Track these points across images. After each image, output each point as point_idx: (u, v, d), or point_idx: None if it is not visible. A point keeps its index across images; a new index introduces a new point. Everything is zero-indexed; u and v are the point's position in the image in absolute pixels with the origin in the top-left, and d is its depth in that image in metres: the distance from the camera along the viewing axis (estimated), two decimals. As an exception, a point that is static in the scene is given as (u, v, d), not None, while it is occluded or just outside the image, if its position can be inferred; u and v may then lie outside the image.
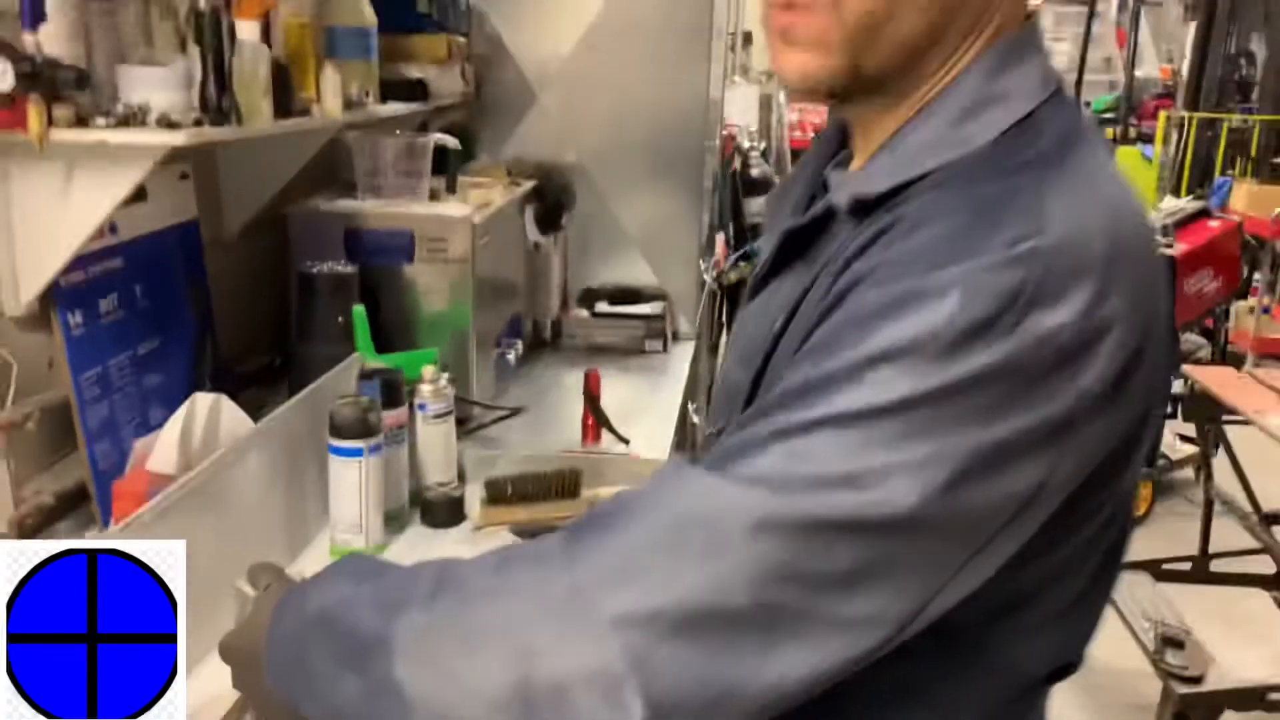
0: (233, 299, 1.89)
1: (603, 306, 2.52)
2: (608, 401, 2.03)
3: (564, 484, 1.62)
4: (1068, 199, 0.70)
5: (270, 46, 1.68)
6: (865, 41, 0.75)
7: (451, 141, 1.98)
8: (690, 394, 2.63)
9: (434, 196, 2.00)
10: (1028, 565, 0.73)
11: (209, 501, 1.31)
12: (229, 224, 1.89)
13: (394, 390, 1.57)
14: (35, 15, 1.22)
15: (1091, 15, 7.23)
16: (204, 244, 1.79)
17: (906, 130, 0.79)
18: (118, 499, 1.41)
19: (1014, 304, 0.65)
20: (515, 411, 1.97)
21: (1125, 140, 6.18)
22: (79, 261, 1.42)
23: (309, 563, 1.48)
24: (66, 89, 1.23)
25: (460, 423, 1.90)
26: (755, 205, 4.58)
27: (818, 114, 8.05)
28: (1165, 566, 3.00)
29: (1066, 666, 0.84)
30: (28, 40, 1.22)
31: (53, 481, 1.45)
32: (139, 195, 1.47)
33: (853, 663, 0.67)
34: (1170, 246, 3.72)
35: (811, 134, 8.05)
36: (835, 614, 0.65)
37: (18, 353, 1.36)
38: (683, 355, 2.51)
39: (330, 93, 1.70)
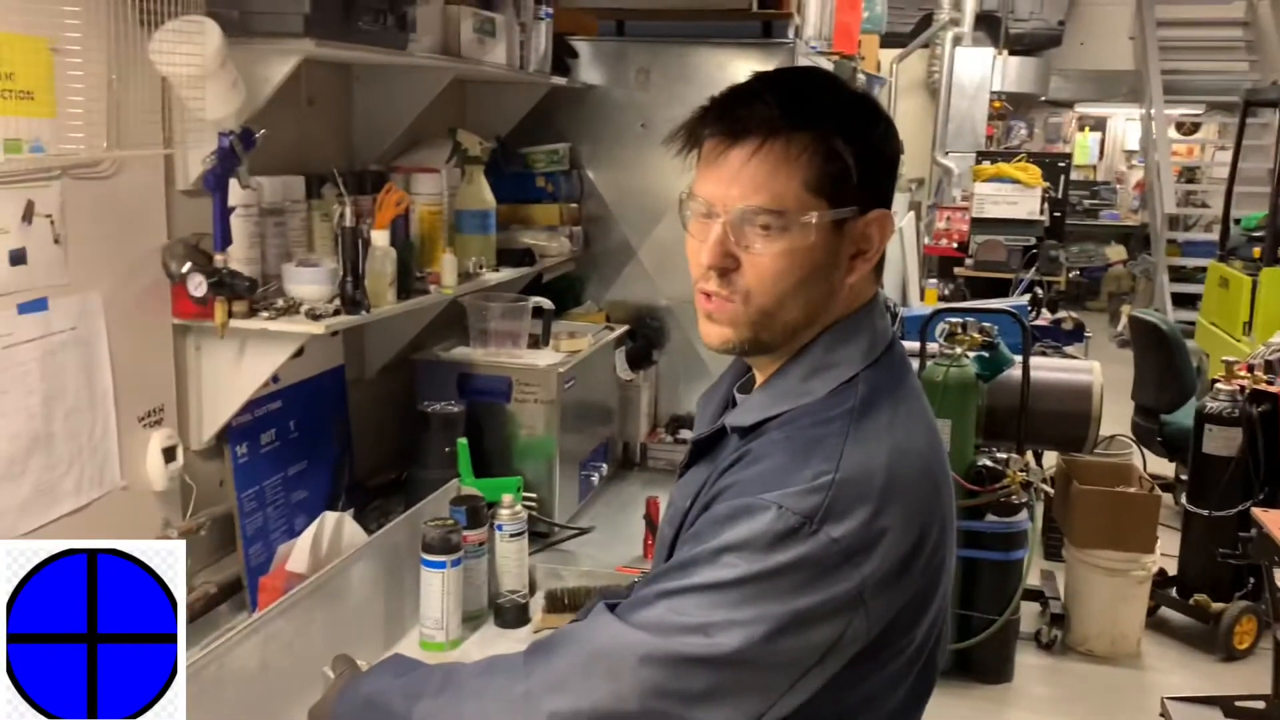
0: (369, 426, 2.34)
1: (686, 433, 2.86)
2: (674, 522, 2.36)
3: (611, 598, 1.96)
4: (860, 444, 1.03)
5: (408, 230, 2.15)
6: (763, 324, 1.10)
7: (546, 304, 2.40)
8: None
9: (534, 344, 2.42)
10: (847, 690, 1.06)
11: (329, 598, 1.72)
12: (369, 367, 2.36)
13: (477, 514, 1.96)
14: (224, 240, 1.70)
15: (1242, 129, 7.18)
16: (347, 383, 2.26)
17: (776, 377, 1.13)
18: (262, 590, 1.85)
19: (812, 519, 0.98)
20: (584, 531, 2.33)
21: (1273, 261, 6.10)
22: (248, 406, 1.89)
23: (401, 650, 1.86)
24: (241, 292, 1.70)
25: (542, 536, 2.29)
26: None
27: (964, 222, 8.21)
28: (1239, 704, 3.05)
29: None
30: (218, 258, 1.70)
31: (216, 574, 1.90)
32: (298, 352, 1.92)
33: None
34: (1271, 383, 3.77)
35: (956, 243, 8.20)
36: None
37: (197, 477, 1.82)
38: (754, 480, 2.81)
39: (448, 272, 2.14)
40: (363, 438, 2.32)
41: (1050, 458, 4.70)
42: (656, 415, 2.93)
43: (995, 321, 3.71)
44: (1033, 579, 3.99)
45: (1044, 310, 5.62)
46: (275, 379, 1.97)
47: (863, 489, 1.00)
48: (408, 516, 1.95)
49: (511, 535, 2.01)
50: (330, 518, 1.89)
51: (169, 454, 1.72)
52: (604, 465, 2.61)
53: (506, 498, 2.03)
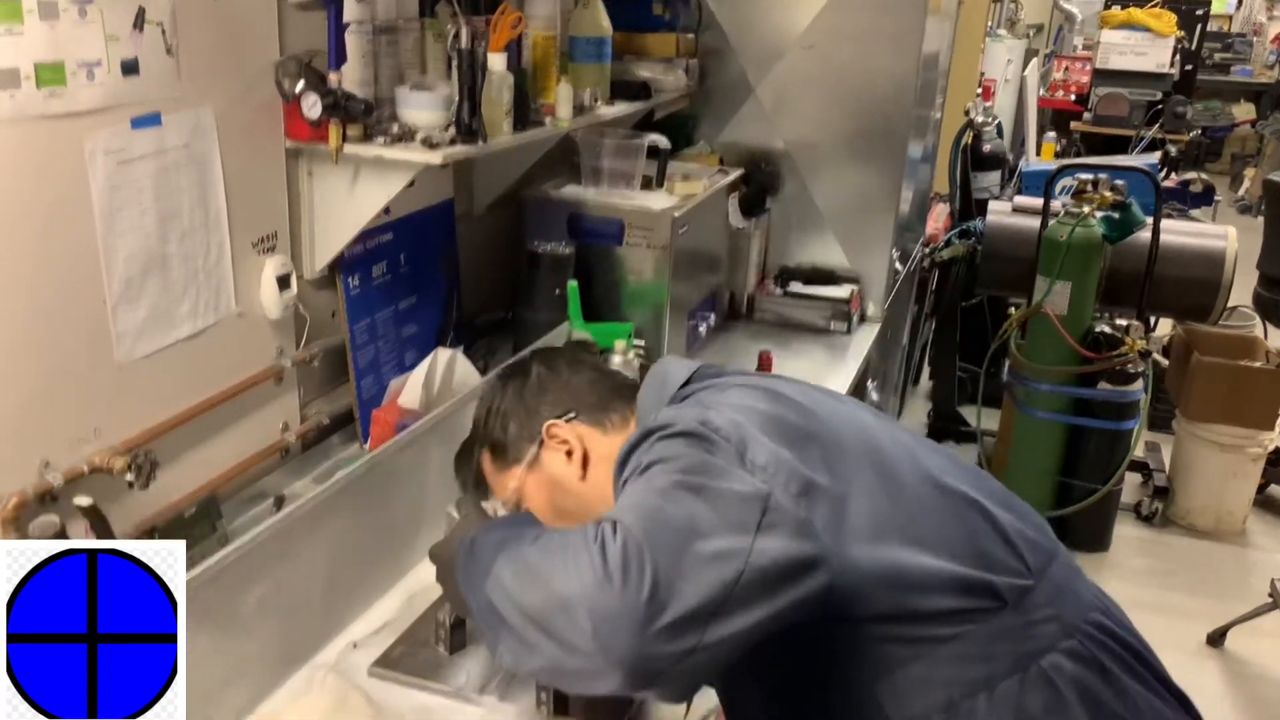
0: (476, 264, 2.28)
1: (796, 286, 2.75)
2: (785, 374, 2.28)
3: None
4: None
5: (520, 56, 2.03)
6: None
7: (663, 142, 2.27)
8: (870, 373, 2.83)
9: (646, 186, 2.31)
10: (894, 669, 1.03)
11: (442, 436, 1.69)
12: (478, 203, 2.28)
13: (590, 359, 1.90)
14: (339, 58, 1.61)
15: None
16: (456, 218, 2.19)
17: None
18: (374, 423, 1.83)
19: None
20: (695, 380, 2.26)
21: None
22: (360, 236, 1.83)
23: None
24: (356, 115, 1.61)
25: (650, 383, 2.23)
26: (985, 179, 4.59)
27: (1084, 73, 7.71)
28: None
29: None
30: (332, 78, 1.60)
31: (328, 405, 1.89)
32: (409, 182, 1.84)
33: None
34: None
35: (1073, 96, 7.71)
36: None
37: (310, 307, 1.78)
38: (865, 337, 2.70)
39: (563, 103, 2.02)
40: (470, 276, 2.25)
41: (1162, 326, 4.48)
42: (765, 266, 2.82)
43: (1122, 180, 3.46)
44: (1137, 450, 3.86)
45: (1171, 171, 5.27)
46: (386, 210, 1.90)
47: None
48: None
49: (623, 381, 1.95)
50: (443, 354, 1.85)
51: (283, 282, 1.68)
52: (712, 315, 2.53)
53: (619, 344, 1.97)
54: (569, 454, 1.28)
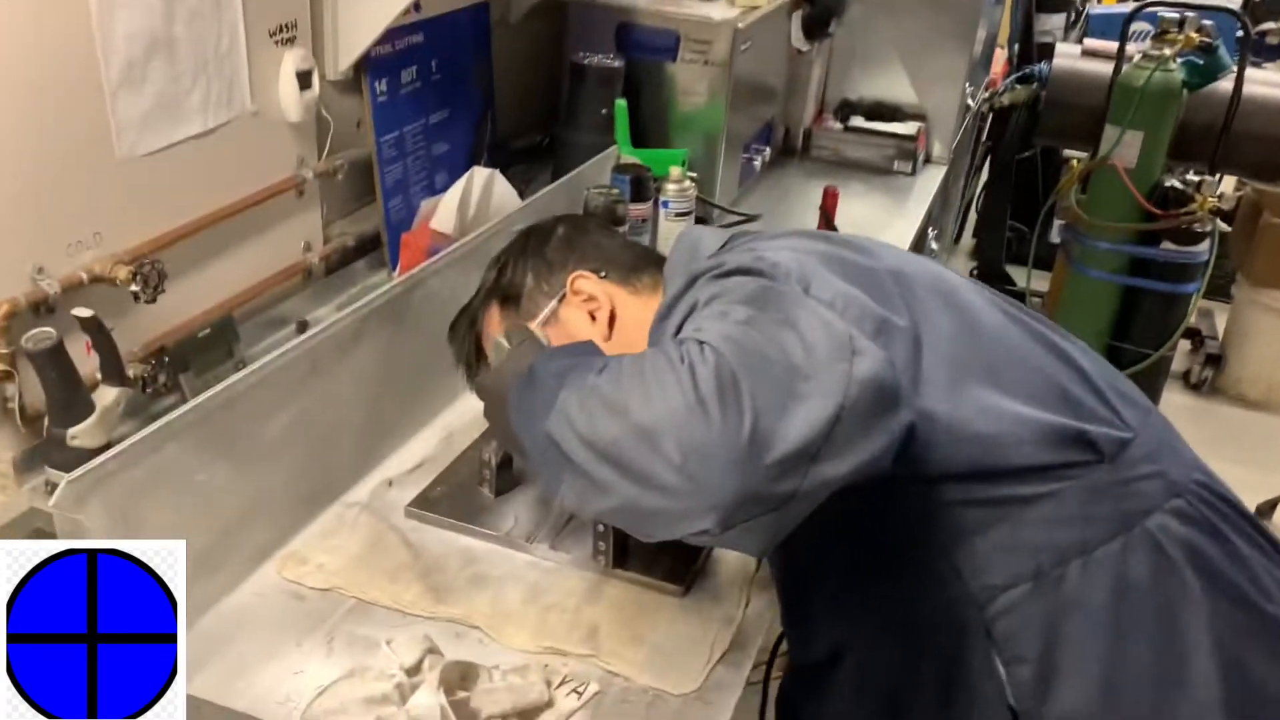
0: (511, 79, 2.06)
1: (857, 121, 2.52)
2: (844, 219, 2.10)
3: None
4: None
5: None
6: None
7: (727, -57, 2.02)
8: (933, 220, 2.63)
9: (705, -5, 2.07)
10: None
11: (482, 263, 1.51)
12: (515, 8, 2.04)
13: (642, 186, 1.71)
14: None
15: None
16: (491, 24, 1.96)
17: None
18: (404, 248, 1.66)
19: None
20: (751, 218, 2.07)
21: None
22: (388, 35, 1.62)
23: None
24: (390, -119, 1.39)
25: (700, 220, 2.05)
26: (1049, 23, 4.28)
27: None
28: None
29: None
30: None
31: (353, 226, 1.72)
32: (441, -23, 1.63)
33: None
34: None
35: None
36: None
37: (333, 111, 1.59)
38: (930, 179, 2.50)
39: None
40: (505, 92, 2.04)
41: (1224, 186, 4.23)
42: (824, 98, 2.59)
43: (1211, 20, 3.17)
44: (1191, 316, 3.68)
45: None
46: (417, 6, 1.69)
47: None
48: (565, 182, 1.72)
49: (677, 214, 1.78)
50: (480, 174, 1.67)
51: (304, 80, 1.48)
52: (767, 149, 2.32)
53: (674, 170, 1.78)
54: (593, 315, 1.16)
